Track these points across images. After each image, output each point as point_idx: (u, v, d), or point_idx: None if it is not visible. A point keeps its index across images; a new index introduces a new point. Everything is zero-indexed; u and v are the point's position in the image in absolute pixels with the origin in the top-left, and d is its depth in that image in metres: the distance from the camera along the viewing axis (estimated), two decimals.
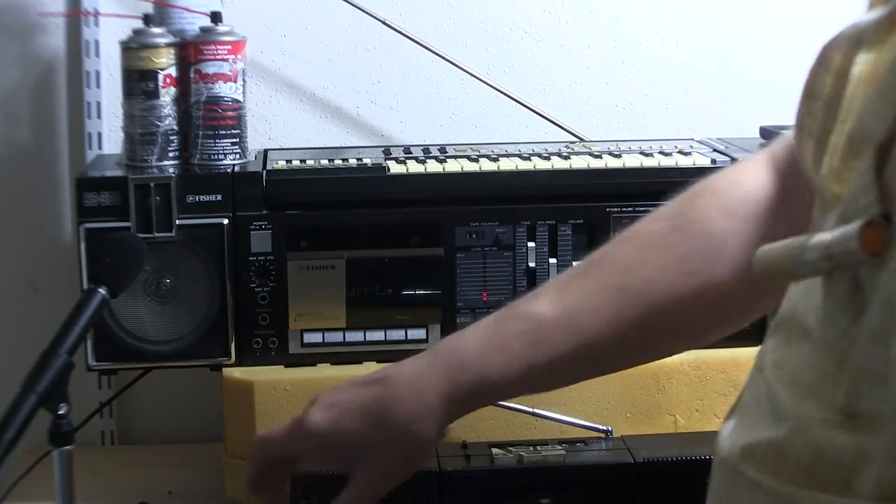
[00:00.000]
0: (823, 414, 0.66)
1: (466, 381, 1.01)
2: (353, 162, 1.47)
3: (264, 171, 1.44)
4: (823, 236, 0.64)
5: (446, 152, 1.52)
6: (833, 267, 0.65)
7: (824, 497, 0.65)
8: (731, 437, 0.75)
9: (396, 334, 1.44)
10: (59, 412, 1.17)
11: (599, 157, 1.48)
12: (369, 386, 1.03)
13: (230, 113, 1.47)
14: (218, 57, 1.45)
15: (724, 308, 1.02)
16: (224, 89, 1.46)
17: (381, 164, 1.46)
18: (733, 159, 1.46)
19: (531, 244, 1.44)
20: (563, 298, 1.02)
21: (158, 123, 1.45)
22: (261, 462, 1.08)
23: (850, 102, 0.69)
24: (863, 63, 0.69)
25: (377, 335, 1.44)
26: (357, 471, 1.05)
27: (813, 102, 0.72)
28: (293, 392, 1.41)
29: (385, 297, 1.43)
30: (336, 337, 1.43)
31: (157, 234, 1.40)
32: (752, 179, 1.00)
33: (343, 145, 1.71)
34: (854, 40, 0.69)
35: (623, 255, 1.03)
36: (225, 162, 1.46)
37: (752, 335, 1.47)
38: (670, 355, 1.10)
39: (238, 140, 1.48)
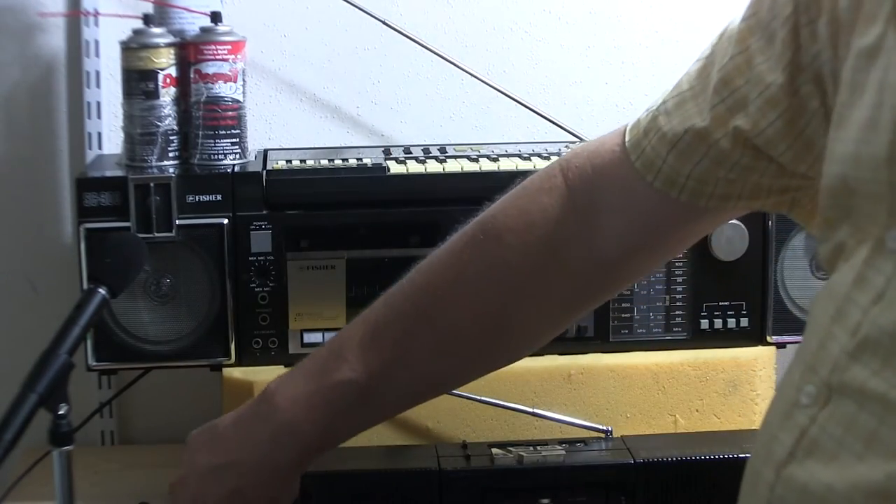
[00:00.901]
0: None
1: (305, 452, 1.07)
2: (353, 162, 1.47)
3: (264, 171, 1.44)
4: None
5: (446, 152, 1.52)
6: None
7: None
8: (843, 474, 0.72)
9: None
10: (59, 412, 1.17)
11: None
12: (220, 474, 1.08)
13: (230, 113, 1.47)
14: (218, 57, 1.45)
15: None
16: (224, 89, 1.46)
17: (381, 164, 1.46)
18: None
19: None
20: (374, 356, 1.05)
21: (158, 123, 1.45)
22: None
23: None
24: None
25: None
26: None
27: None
28: None
29: None
30: None
31: (157, 234, 1.40)
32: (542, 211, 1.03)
33: (343, 145, 1.71)
34: None
35: (419, 289, 1.08)
36: (225, 162, 1.46)
37: (752, 335, 1.48)
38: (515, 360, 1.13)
39: (238, 140, 1.48)
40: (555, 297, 1.04)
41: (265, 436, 1.08)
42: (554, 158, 1.47)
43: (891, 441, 0.70)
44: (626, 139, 0.98)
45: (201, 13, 1.48)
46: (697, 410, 1.46)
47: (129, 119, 1.46)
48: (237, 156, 1.47)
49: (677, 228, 0.99)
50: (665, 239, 1.01)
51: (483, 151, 1.52)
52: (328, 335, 1.43)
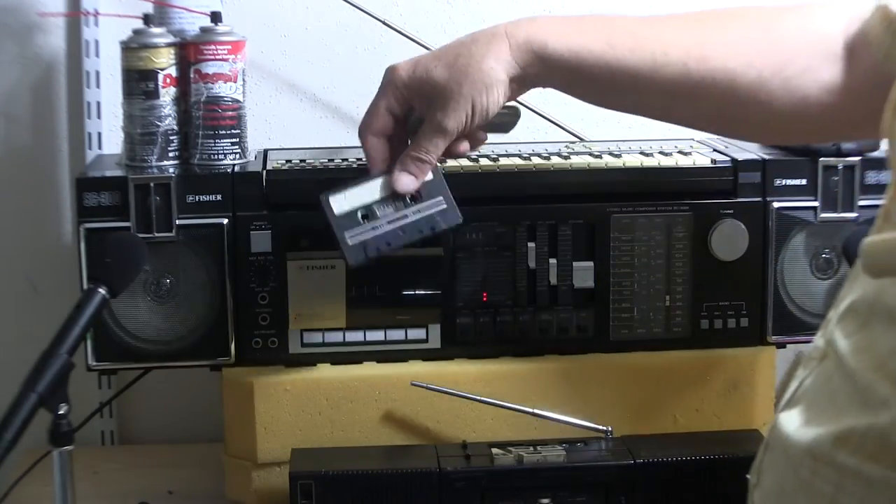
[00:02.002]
0: None
1: (535, 38, 1.18)
2: (353, 162, 1.47)
3: (264, 171, 1.44)
4: None
5: None
6: None
7: None
8: (808, 428, 0.74)
9: (396, 334, 1.44)
10: (59, 412, 1.17)
11: (599, 157, 1.48)
12: (454, 41, 1.22)
13: (230, 113, 1.47)
14: (218, 57, 1.45)
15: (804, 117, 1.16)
16: (224, 89, 1.46)
17: None
18: (733, 159, 1.46)
19: (531, 244, 1.44)
20: (648, 21, 1.18)
21: (158, 123, 1.45)
22: (369, 141, 1.26)
23: None
24: None
25: (377, 335, 1.44)
26: (431, 113, 1.21)
27: None
28: (293, 392, 1.41)
29: (385, 297, 1.43)
30: (336, 337, 1.43)
31: (157, 234, 1.40)
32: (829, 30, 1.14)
33: (343, 145, 1.71)
34: None
35: (718, 25, 1.17)
36: (225, 162, 1.46)
37: (752, 335, 1.48)
38: (721, 132, 1.31)
39: (238, 140, 1.48)
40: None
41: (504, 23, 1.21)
42: (554, 158, 1.48)
43: (841, 404, 0.72)
44: None
45: (201, 13, 1.48)
46: (697, 410, 1.46)
47: (129, 119, 1.46)
48: (237, 156, 1.47)
49: None
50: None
51: (483, 151, 1.51)
52: (328, 335, 1.43)
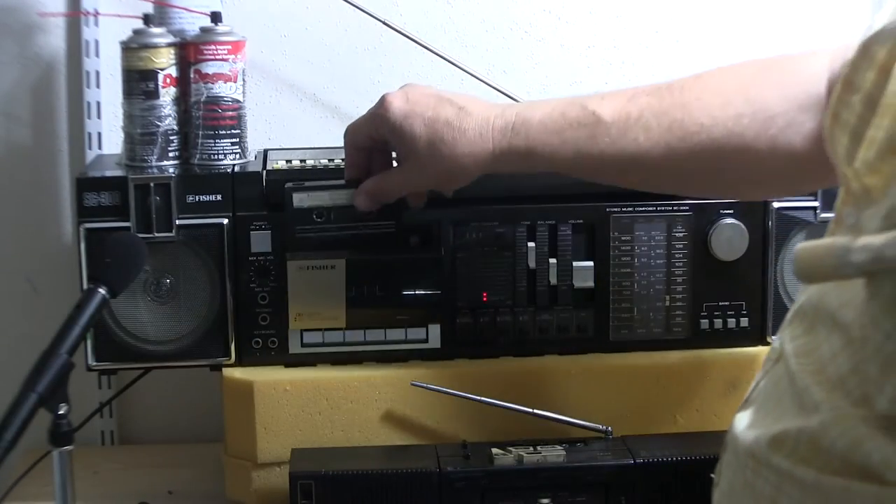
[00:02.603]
0: (860, 411, 0.65)
1: (518, 146, 1.20)
2: None
3: (264, 171, 1.44)
4: (872, 239, 0.64)
5: None
6: (882, 269, 0.64)
7: (859, 486, 0.65)
8: (752, 430, 0.75)
9: (396, 334, 1.44)
10: (59, 412, 1.17)
11: None
12: (449, 107, 1.23)
13: (230, 113, 1.47)
14: (218, 57, 1.45)
15: (786, 171, 1.16)
16: (224, 89, 1.46)
17: None
18: None
19: (531, 244, 1.44)
20: (626, 107, 1.17)
21: (158, 123, 1.45)
22: (349, 148, 1.33)
23: (892, 98, 0.69)
24: None
25: (377, 335, 1.43)
26: (400, 164, 1.28)
27: (852, 95, 0.72)
28: (293, 392, 1.41)
29: (385, 297, 1.43)
30: (336, 337, 1.43)
31: (157, 234, 1.40)
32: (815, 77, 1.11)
33: (343, 145, 1.71)
34: None
35: (690, 92, 1.17)
36: (225, 162, 1.46)
37: (752, 335, 1.48)
38: (713, 196, 1.31)
39: (238, 140, 1.48)
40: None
41: (499, 109, 1.23)
42: None
43: (783, 406, 0.72)
44: None
45: (201, 13, 1.48)
46: (697, 410, 1.46)
47: (129, 119, 1.46)
48: (237, 156, 1.47)
49: None
50: None
51: None
52: (328, 335, 1.43)
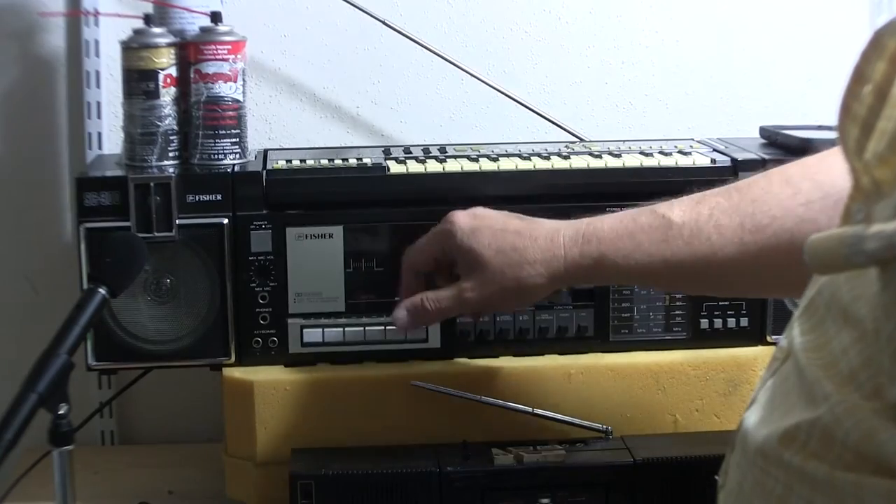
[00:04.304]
0: (872, 404, 0.65)
1: (590, 253, 1.16)
2: (353, 162, 1.47)
3: (264, 171, 1.44)
4: (884, 226, 0.64)
5: (446, 152, 1.52)
6: (894, 257, 0.64)
7: (870, 480, 0.64)
8: (761, 428, 0.75)
9: (396, 333, 1.44)
10: (59, 412, 1.17)
11: (599, 157, 1.48)
12: (517, 220, 1.21)
13: (230, 113, 1.47)
14: (218, 57, 1.45)
15: None
16: (224, 89, 1.46)
17: (381, 164, 1.46)
18: (733, 159, 1.46)
19: None
20: (696, 209, 1.15)
21: (158, 123, 1.45)
22: (408, 272, 1.27)
23: None
24: None
25: (377, 335, 1.43)
26: (465, 280, 1.21)
27: (862, 86, 0.72)
28: (293, 392, 1.41)
29: (385, 296, 1.43)
30: (336, 337, 1.43)
31: (157, 234, 1.40)
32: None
33: (343, 145, 1.71)
34: None
35: (757, 186, 1.13)
36: (225, 162, 1.47)
37: (751, 335, 1.48)
38: (793, 293, 1.16)
39: (238, 140, 1.48)
40: None
41: (566, 222, 1.20)
42: (554, 158, 1.48)
43: (791, 402, 0.72)
44: None
45: (201, 13, 1.48)
46: (697, 410, 1.46)
47: (130, 119, 1.46)
48: (237, 156, 1.47)
49: None
50: None
51: (483, 151, 1.51)
52: (328, 335, 1.43)
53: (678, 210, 1.16)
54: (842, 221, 0.75)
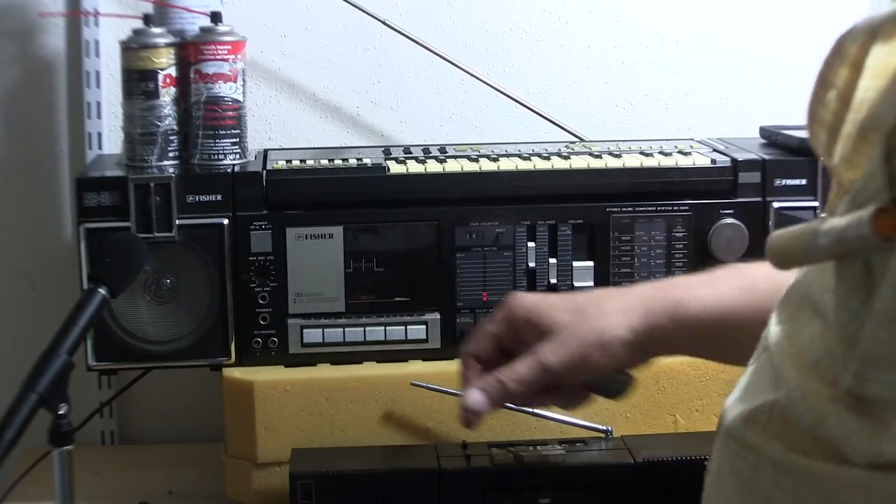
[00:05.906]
0: (830, 391, 0.66)
1: (669, 298, 1.08)
2: (353, 162, 1.47)
3: (264, 171, 1.44)
4: (836, 221, 0.65)
5: (446, 152, 1.52)
6: (845, 251, 0.65)
7: (820, 465, 0.66)
8: (733, 409, 0.76)
9: (396, 333, 1.44)
10: (59, 412, 1.17)
11: (599, 157, 1.48)
12: (584, 293, 1.15)
13: (230, 113, 1.47)
14: (218, 57, 1.45)
15: None
16: (224, 89, 1.46)
17: (381, 164, 1.46)
18: (733, 159, 1.46)
19: (531, 244, 1.44)
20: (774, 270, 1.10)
21: (158, 123, 1.45)
22: (466, 361, 1.14)
23: (864, 93, 0.69)
24: (877, 55, 0.69)
25: (377, 335, 1.44)
26: (540, 346, 1.11)
27: (826, 92, 0.73)
28: (293, 392, 1.41)
29: (385, 296, 1.43)
30: (336, 337, 1.43)
31: (157, 234, 1.40)
32: None
33: (343, 145, 1.71)
34: (870, 32, 0.70)
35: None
36: (225, 162, 1.47)
37: None
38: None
39: (238, 140, 1.48)
40: None
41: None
42: (554, 158, 1.48)
43: (760, 385, 0.73)
44: None
45: (201, 13, 1.48)
46: (697, 410, 1.46)
47: (129, 119, 1.46)
48: (237, 156, 1.47)
49: None
50: None
51: (483, 151, 1.52)
52: (328, 335, 1.43)
53: (756, 267, 1.08)
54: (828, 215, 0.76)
